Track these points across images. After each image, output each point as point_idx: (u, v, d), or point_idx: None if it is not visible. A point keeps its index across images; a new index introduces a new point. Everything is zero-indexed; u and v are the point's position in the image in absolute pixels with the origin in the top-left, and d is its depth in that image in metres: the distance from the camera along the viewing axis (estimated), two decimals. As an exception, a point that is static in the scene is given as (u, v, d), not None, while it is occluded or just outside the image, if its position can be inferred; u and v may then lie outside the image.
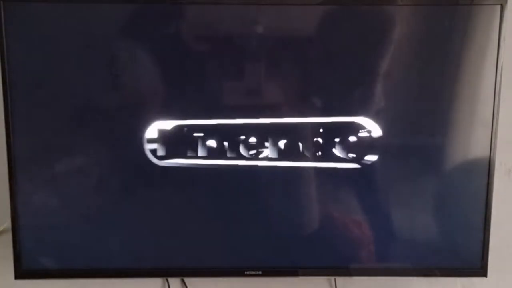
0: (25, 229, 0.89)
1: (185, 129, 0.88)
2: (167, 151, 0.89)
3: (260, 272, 0.92)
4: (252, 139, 0.88)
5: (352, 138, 0.88)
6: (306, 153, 0.89)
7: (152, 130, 0.88)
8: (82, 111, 0.88)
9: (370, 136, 0.88)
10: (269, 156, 0.89)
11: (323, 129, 0.88)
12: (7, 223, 0.93)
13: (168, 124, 0.88)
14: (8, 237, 0.91)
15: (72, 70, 0.86)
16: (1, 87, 0.85)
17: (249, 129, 0.88)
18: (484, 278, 0.93)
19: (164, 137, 0.88)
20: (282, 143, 0.88)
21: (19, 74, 0.85)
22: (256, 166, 0.89)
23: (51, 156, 0.89)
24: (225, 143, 0.88)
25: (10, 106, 0.85)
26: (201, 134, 0.88)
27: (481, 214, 0.91)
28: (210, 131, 0.88)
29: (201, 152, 0.89)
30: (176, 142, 0.88)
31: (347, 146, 0.89)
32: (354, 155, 0.89)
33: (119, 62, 0.86)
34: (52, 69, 0.86)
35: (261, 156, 0.89)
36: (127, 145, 0.89)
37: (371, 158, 0.89)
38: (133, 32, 0.86)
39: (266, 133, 0.88)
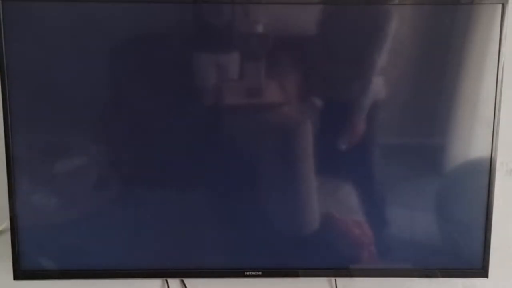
0: (24, 230, 0.89)
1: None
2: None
3: (260, 273, 0.92)
4: (251, 138, 0.88)
5: (352, 138, 0.88)
6: (306, 153, 0.88)
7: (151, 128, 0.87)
8: (81, 111, 0.87)
9: (371, 136, 0.88)
10: (269, 155, 0.88)
11: (323, 128, 0.88)
12: (6, 223, 0.93)
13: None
14: (7, 237, 0.91)
15: (71, 69, 0.86)
16: (0, 87, 0.85)
17: (249, 129, 0.88)
18: (485, 279, 0.93)
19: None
20: (282, 142, 0.88)
21: (18, 73, 0.85)
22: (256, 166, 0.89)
23: (50, 156, 0.88)
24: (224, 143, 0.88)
25: (9, 105, 0.85)
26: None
27: (482, 215, 0.91)
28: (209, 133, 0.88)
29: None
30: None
31: (347, 146, 0.88)
32: (354, 155, 0.89)
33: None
34: (51, 68, 0.86)
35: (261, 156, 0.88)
36: (126, 144, 0.88)
37: (372, 157, 0.89)
38: (133, 31, 0.86)
39: (266, 131, 0.87)
